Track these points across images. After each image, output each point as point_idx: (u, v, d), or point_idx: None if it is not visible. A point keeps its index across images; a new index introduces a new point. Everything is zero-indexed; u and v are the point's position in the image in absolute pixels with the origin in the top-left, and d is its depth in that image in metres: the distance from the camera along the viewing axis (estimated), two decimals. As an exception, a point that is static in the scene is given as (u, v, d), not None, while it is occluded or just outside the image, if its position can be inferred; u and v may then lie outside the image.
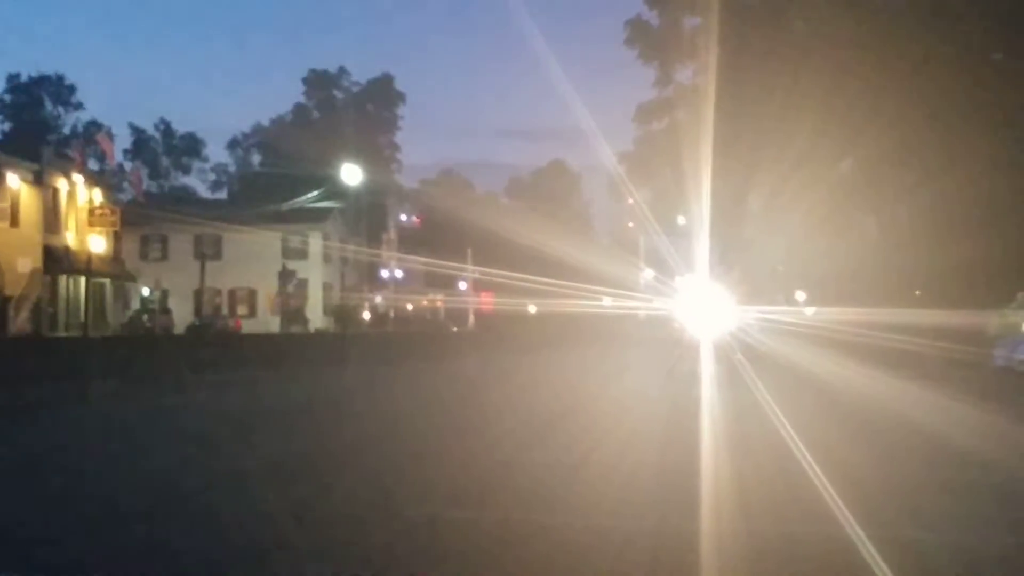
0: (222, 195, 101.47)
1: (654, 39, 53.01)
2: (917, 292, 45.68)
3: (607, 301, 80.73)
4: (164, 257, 71.42)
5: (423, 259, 77.49)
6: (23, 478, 13.22)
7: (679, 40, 51.22)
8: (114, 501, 11.41)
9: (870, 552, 8.58)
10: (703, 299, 65.40)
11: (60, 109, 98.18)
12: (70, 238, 56.00)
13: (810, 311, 55.04)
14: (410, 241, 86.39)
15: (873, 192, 47.32)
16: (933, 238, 42.38)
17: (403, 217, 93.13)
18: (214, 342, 45.83)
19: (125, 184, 72.27)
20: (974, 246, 39.49)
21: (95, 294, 56.19)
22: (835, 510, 10.24)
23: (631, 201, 74.10)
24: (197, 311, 65.45)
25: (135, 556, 8.90)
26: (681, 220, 61.87)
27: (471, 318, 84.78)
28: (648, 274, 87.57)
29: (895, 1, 45.45)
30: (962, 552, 8.97)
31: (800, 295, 60.31)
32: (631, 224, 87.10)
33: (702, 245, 57.97)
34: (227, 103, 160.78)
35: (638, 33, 53.56)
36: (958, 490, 11.82)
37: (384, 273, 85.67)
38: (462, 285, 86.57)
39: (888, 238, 47.01)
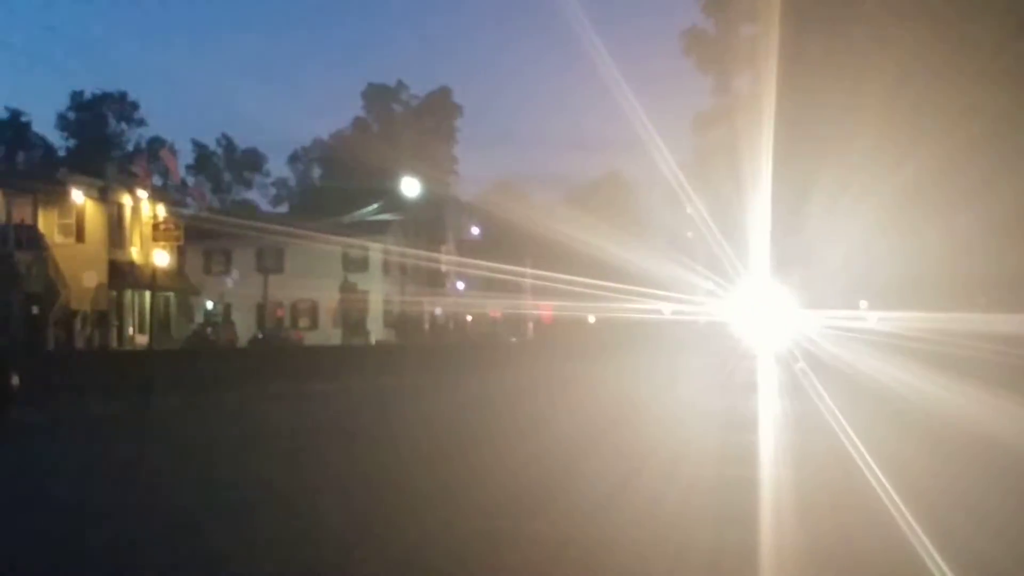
0: (283, 209, 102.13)
1: (711, 48, 52.68)
2: (983, 300, 45.10)
3: (666, 309, 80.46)
4: (227, 271, 71.96)
5: (482, 270, 77.64)
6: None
7: (737, 48, 50.89)
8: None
9: (937, 563, 8.42)
10: (763, 306, 65.01)
11: (123, 126, 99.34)
12: (135, 253, 56.61)
13: (873, 318, 54.48)
14: (469, 252, 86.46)
15: (935, 197, 46.79)
16: (998, 243, 41.87)
17: (464, 229, 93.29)
18: (278, 354, 46.23)
19: (188, 199, 72.98)
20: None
21: (160, 308, 56.85)
22: (901, 521, 10.03)
23: (689, 210, 73.80)
24: (260, 324, 65.95)
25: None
26: (740, 228, 61.49)
27: (530, 328, 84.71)
28: (707, 282, 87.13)
29: (956, 6, 44.98)
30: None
31: (863, 303, 59.73)
32: (690, 234, 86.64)
33: (762, 252, 57.66)
34: (287, 118, 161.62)
35: (695, 42, 53.26)
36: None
37: (444, 284, 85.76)
38: (521, 295, 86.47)
39: (952, 243, 46.47)
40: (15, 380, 23.07)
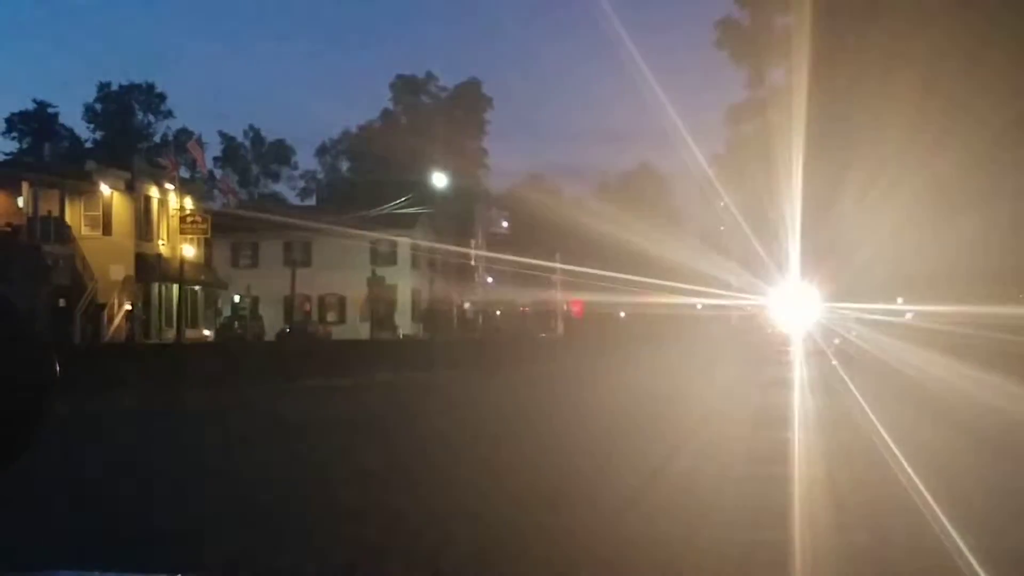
0: (311, 202, 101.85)
1: (746, 39, 52.13)
2: (1022, 295, 44.48)
3: (699, 304, 80.00)
4: (255, 264, 71.80)
5: (512, 264, 77.24)
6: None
7: (771, 40, 50.33)
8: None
9: (972, 563, 8.15)
10: (796, 300, 64.46)
11: (150, 117, 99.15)
12: (162, 246, 56.46)
13: (908, 313, 53.83)
14: (498, 246, 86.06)
15: (970, 188, 46.23)
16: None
17: (493, 222, 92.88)
18: (306, 349, 46.04)
19: (215, 192, 72.85)
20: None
21: (187, 301, 56.68)
22: (936, 520, 9.73)
23: (722, 203, 73.31)
24: (287, 318, 65.78)
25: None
26: (773, 220, 61.02)
27: (560, 323, 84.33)
28: (740, 276, 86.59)
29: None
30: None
31: (899, 299, 59.10)
32: (722, 227, 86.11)
33: (795, 246, 57.12)
34: (315, 110, 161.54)
35: (729, 33, 52.75)
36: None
37: (473, 278, 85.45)
38: (551, 290, 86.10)
39: (988, 236, 45.87)
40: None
